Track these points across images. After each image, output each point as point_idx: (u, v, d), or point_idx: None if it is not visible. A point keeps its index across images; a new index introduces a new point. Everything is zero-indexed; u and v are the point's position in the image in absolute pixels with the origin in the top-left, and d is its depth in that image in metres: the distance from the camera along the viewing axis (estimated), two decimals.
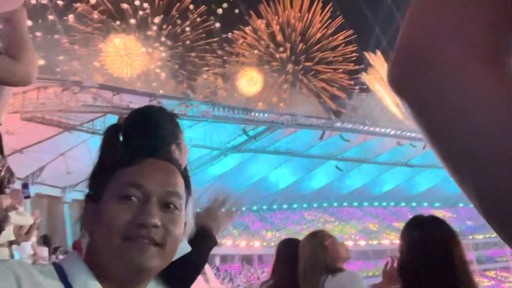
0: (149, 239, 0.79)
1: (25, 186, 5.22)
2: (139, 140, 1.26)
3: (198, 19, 56.97)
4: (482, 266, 41.08)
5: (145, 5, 54.62)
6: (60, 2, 47.90)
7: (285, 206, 49.57)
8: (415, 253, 1.76)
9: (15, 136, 25.67)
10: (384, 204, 53.26)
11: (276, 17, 62.19)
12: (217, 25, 58.08)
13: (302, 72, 64.04)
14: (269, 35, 62.79)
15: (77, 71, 46.16)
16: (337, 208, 51.16)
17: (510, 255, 38.66)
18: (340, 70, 62.06)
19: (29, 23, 1.64)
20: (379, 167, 48.05)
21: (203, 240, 1.45)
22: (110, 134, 1.17)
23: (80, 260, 0.81)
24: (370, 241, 44.84)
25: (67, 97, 30.50)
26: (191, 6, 56.26)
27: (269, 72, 62.19)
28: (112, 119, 1.51)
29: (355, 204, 52.34)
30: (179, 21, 57.38)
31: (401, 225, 2.35)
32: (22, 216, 4.75)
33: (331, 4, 58.25)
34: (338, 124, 44.54)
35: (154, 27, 56.31)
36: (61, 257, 9.41)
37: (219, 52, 60.12)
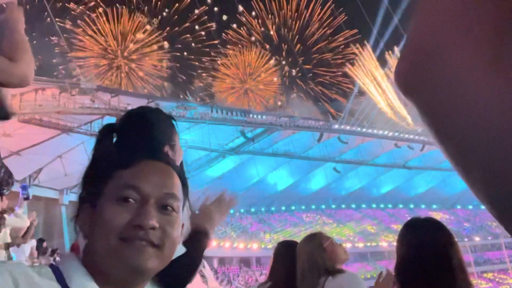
0: (146, 240, 0.79)
1: (24, 187, 5.21)
2: (136, 141, 1.26)
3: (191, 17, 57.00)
4: (479, 268, 41.11)
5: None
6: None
7: (283, 208, 49.55)
8: (413, 256, 1.76)
9: (13, 138, 25.59)
10: (382, 206, 53.30)
11: (271, 16, 62.37)
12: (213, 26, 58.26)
13: (300, 75, 64.21)
14: (265, 37, 62.94)
15: (75, 73, 46.14)
16: (335, 210, 51.17)
17: (508, 257, 38.70)
18: (339, 73, 62.24)
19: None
20: (377, 169, 48.10)
21: (197, 240, 1.45)
22: (104, 134, 1.17)
23: (78, 262, 0.81)
24: (368, 243, 44.83)
25: (65, 99, 30.45)
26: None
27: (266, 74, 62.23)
28: (110, 121, 1.52)
29: (353, 206, 52.37)
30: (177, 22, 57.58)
31: (399, 227, 2.31)
32: (19, 219, 4.74)
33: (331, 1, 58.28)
34: (336, 126, 44.62)
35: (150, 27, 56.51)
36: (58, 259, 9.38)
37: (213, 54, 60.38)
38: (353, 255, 36.59)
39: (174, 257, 0.86)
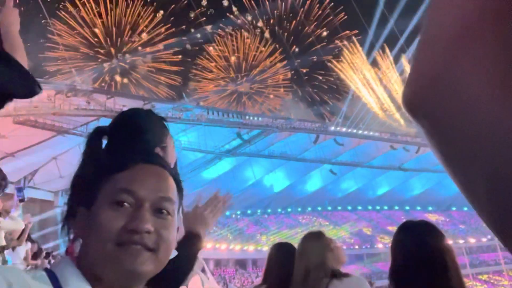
0: (142, 244, 0.79)
1: (19, 189, 5.18)
2: (130, 145, 1.25)
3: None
4: (475, 270, 41.30)
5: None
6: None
7: (279, 210, 49.56)
8: (408, 258, 1.77)
9: (7, 139, 25.45)
10: (378, 207, 53.44)
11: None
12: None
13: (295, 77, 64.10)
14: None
15: (71, 74, 45.97)
16: (331, 212, 51.25)
17: (503, 259, 38.91)
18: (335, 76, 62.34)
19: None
20: (373, 171, 48.24)
21: (190, 244, 1.43)
22: (94, 137, 1.16)
23: (73, 266, 0.81)
24: (364, 244, 44.91)
25: (60, 101, 30.32)
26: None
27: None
28: (106, 123, 1.51)
29: (349, 207, 52.47)
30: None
31: (394, 228, 2.28)
32: (14, 221, 4.70)
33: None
34: (332, 128, 44.72)
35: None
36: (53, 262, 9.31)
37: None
38: (349, 256, 36.65)
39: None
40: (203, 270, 2.07)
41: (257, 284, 2.76)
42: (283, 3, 61.11)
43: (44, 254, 8.55)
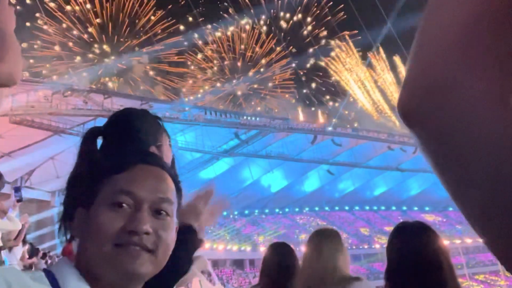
0: (140, 246, 0.79)
1: (17, 189, 5.16)
2: (128, 146, 1.25)
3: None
4: (471, 270, 41.43)
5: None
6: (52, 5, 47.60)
7: (277, 210, 49.56)
8: (403, 259, 1.78)
9: (4, 139, 25.35)
10: (375, 208, 53.53)
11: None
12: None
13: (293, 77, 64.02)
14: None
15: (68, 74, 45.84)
16: (328, 212, 51.28)
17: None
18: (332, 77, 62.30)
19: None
20: (370, 171, 48.31)
21: (186, 240, 1.39)
22: (89, 138, 1.15)
23: (71, 266, 0.81)
24: (362, 245, 44.98)
25: (57, 100, 30.21)
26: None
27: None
28: (103, 123, 1.49)
29: (347, 208, 52.53)
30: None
31: (391, 229, 2.24)
32: (11, 222, 4.68)
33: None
34: (330, 129, 44.77)
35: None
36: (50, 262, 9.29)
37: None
38: None
39: None
40: (204, 271, 2.02)
41: (255, 284, 2.76)
42: (279, 2, 60.96)
43: (41, 254, 8.52)
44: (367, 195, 52.66)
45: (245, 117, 41.71)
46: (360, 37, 57.42)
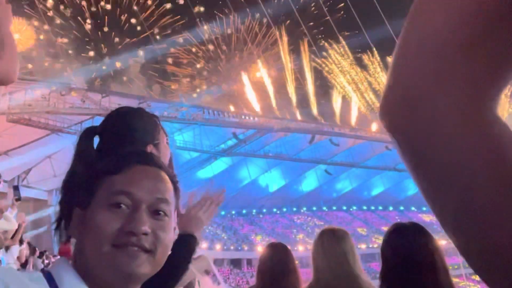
0: (139, 246, 0.79)
1: (15, 188, 5.14)
2: (125, 146, 1.24)
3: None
4: (468, 270, 41.54)
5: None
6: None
7: (274, 209, 49.57)
8: (398, 259, 1.78)
9: (1, 138, 25.25)
10: (373, 208, 53.63)
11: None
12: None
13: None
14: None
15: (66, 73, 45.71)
16: (326, 212, 51.35)
17: None
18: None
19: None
20: (368, 171, 48.41)
21: (184, 242, 1.40)
22: (86, 137, 1.15)
23: (69, 267, 0.81)
24: (359, 245, 45.08)
25: (55, 99, 30.13)
26: None
27: None
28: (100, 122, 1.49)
29: (344, 208, 52.62)
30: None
31: None
32: (7, 221, 4.66)
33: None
34: (328, 128, 44.84)
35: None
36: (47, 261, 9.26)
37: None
38: None
39: None
40: (208, 271, 2.01)
41: (251, 285, 2.75)
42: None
43: (38, 253, 8.49)
44: (365, 195, 52.76)
45: (243, 117, 41.71)
46: (352, 39, 57.59)
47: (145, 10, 57.57)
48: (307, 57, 56.78)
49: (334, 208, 52.31)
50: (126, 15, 56.46)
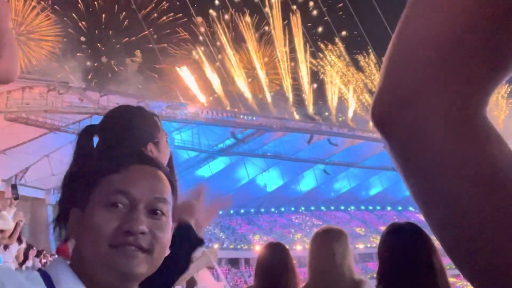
0: (136, 246, 0.79)
1: (13, 187, 5.13)
2: (123, 145, 1.24)
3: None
4: None
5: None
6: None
7: (272, 209, 49.57)
8: (395, 259, 1.78)
9: None
10: (371, 208, 53.70)
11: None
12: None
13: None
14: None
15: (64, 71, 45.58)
16: (324, 212, 51.37)
17: None
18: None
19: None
20: (366, 171, 48.46)
21: (184, 239, 1.37)
22: (85, 136, 1.14)
23: (67, 267, 0.81)
24: (357, 244, 45.13)
25: (53, 98, 30.05)
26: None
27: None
28: (99, 121, 1.48)
29: (342, 207, 52.65)
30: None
31: None
32: (4, 221, 4.65)
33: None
34: (326, 128, 44.86)
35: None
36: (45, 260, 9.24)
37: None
38: None
39: None
40: (210, 267, 1.99)
41: (249, 286, 2.75)
42: None
43: (35, 252, 8.47)
44: (363, 195, 52.82)
45: (241, 116, 41.69)
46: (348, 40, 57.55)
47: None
48: (302, 53, 56.71)
49: (332, 208, 52.34)
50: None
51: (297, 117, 51.52)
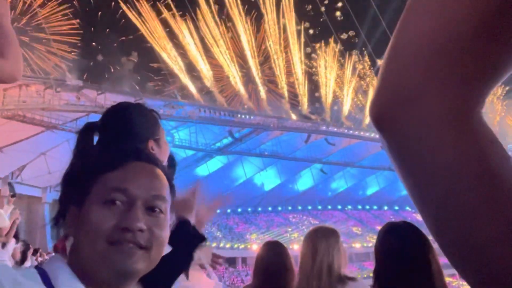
0: (134, 243, 0.79)
1: (10, 184, 5.11)
2: (121, 142, 1.24)
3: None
4: None
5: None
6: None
7: (270, 208, 49.61)
8: (391, 259, 1.78)
9: None
10: (368, 207, 53.83)
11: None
12: None
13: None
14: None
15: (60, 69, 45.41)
16: (321, 211, 51.46)
17: None
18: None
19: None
20: (363, 170, 48.57)
21: (183, 236, 1.36)
22: (85, 134, 1.14)
23: (64, 264, 0.81)
24: (354, 244, 45.24)
25: (50, 96, 29.95)
26: None
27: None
28: (96, 119, 1.48)
29: (339, 207, 52.76)
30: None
31: None
32: (0, 219, 4.64)
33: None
34: (324, 128, 44.92)
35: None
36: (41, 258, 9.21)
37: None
38: None
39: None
40: (201, 266, 1.99)
41: (248, 284, 2.76)
42: None
43: (32, 250, 8.44)
44: (360, 195, 52.94)
45: (239, 115, 41.68)
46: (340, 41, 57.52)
47: None
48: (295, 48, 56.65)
49: (329, 207, 52.44)
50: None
51: (293, 116, 51.53)
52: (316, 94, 58.31)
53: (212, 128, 38.76)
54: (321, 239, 2.31)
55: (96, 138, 1.26)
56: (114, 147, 0.96)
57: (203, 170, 40.78)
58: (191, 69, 54.13)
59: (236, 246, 41.16)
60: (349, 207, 53.16)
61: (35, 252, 9.11)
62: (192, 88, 52.69)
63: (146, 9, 50.32)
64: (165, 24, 51.86)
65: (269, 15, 56.07)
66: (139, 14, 50.40)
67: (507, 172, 0.38)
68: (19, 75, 1.44)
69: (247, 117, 42.21)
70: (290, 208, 50.69)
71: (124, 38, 55.62)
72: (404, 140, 0.41)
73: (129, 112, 1.39)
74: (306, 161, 45.04)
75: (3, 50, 1.39)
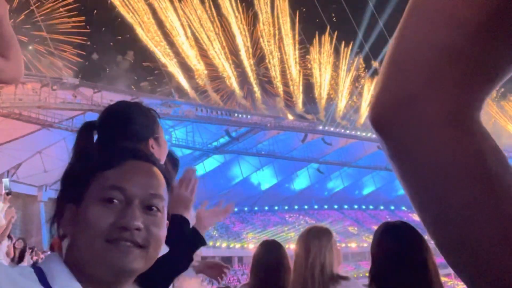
0: (131, 241, 0.79)
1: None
2: (119, 141, 1.23)
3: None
4: None
5: None
6: None
7: (266, 208, 49.66)
8: (388, 259, 1.79)
9: None
10: (364, 207, 53.99)
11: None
12: None
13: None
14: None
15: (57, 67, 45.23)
16: (317, 211, 51.57)
17: None
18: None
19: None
20: (360, 170, 48.72)
21: (179, 234, 1.35)
22: (84, 132, 1.14)
23: (61, 262, 0.81)
24: (350, 243, 45.36)
25: (46, 94, 29.82)
26: None
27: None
28: (92, 117, 1.48)
29: (335, 206, 52.89)
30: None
31: None
32: None
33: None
34: (320, 127, 45.01)
35: None
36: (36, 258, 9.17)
37: None
38: None
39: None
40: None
41: (245, 283, 2.76)
42: None
43: (28, 249, 8.41)
44: (356, 194, 53.10)
45: (236, 115, 41.67)
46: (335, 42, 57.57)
47: None
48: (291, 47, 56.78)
49: (326, 206, 52.55)
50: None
51: (290, 116, 51.54)
52: (310, 95, 58.41)
53: (209, 127, 38.73)
54: (314, 239, 2.31)
55: (95, 137, 1.26)
56: (111, 145, 0.96)
57: (200, 169, 40.74)
58: (186, 68, 54.11)
59: (232, 245, 41.16)
60: (346, 206, 53.30)
61: (31, 250, 9.07)
62: (187, 86, 52.67)
63: (140, 6, 50.19)
64: (160, 24, 51.82)
65: (263, 15, 56.15)
66: (135, 11, 50.30)
67: (504, 173, 0.39)
68: (20, 76, 1.45)
69: (244, 116, 42.21)
70: (286, 207, 50.75)
71: (120, 37, 55.47)
72: (403, 141, 0.41)
73: (129, 111, 1.40)
74: (302, 160, 45.12)
75: (4, 51, 1.39)
